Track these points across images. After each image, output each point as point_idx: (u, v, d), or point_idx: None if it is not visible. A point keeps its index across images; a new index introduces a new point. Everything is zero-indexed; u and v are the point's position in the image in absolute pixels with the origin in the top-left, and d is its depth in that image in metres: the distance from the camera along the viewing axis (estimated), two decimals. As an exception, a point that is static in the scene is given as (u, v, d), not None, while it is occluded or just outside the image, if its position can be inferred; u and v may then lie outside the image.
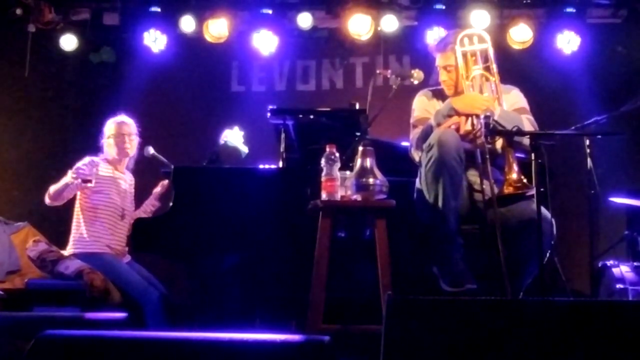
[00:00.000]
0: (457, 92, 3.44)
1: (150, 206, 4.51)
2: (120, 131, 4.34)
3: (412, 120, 3.58)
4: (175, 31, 5.97)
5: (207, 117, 5.96)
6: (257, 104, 5.59)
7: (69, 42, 6.02)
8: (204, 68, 6.28)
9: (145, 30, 5.95)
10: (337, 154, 3.11)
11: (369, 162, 3.06)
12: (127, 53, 6.12)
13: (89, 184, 4.04)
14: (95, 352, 1.93)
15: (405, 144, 3.64)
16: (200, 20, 5.90)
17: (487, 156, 3.12)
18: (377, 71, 4.33)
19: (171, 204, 3.74)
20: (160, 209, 4.44)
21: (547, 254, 3.26)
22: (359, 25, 5.80)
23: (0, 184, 6.08)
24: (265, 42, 5.94)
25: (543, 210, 3.11)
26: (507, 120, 3.27)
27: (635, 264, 4.47)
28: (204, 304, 3.93)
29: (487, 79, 3.41)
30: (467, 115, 3.27)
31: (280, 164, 3.97)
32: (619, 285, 4.32)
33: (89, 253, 4.13)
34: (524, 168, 3.16)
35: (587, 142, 3.50)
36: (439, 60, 3.53)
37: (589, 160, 3.47)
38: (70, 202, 4.25)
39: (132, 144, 4.37)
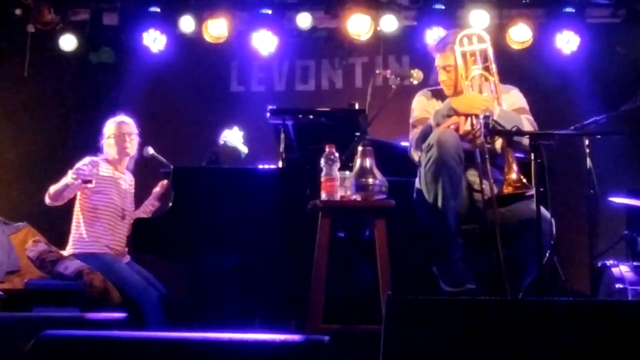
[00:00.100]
0: (457, 92, 3.44)
1: (149, 206, 4.51)
2: (120, 131, 4.34)
3: (411, 120, 3.58)
4: (174, 31, 5.97)
5: (207, 117, 5.96)
6: (257, 104, 5.59)
7: (68, 42, 6.02)
8: (204, 68, 6.28)
9: (145, 30, 5.95)
10: (337, 154, 3.11)
11: (368, 162, 3.06)
12: (127, 53, 6.12)
13: (89, 185, 4.04)
14: (94, 352, 1.93)
15: (404, 144, 3.64)
16: (200, 20, 5.90)
17: (487, 156, 3.12)
18: (377, 71, 4.33)
19: (171, 204, 3.74)
20: (159, 209, 4.45)
21: (547, 254, 3.26)
22: (359, 25, 5.80)
23: (0, 184, 6.07)
24: (264, 42, 5.94)
25: (542, 210, 3.11)
26: (506, 120, 3.27)
27: (634, 263, 4.47)
28: (204, 304, 3.93)
29: (487, 79, 3.41)
30: (467, 115, 3.28)
31: (280, 164, 3.97)
32: (619, 285, 4.32)
33: (88, 253, 4.13)
34: (524, 168, 3.16)
35: (587, 142, 3.50)
36: (438, 60, 3.53)
37: (588, 160, 3.47)
38: (70, 203, 4.25)
39: (133, 144, 4.37)
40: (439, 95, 3.58)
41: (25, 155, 6.12)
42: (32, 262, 4.18)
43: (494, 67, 3.41)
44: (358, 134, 3.66)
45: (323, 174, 3.09)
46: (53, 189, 4.12)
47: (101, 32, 6.07)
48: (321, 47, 6.26)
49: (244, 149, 4.36)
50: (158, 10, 5.93)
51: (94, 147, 4.41)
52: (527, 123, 3.36)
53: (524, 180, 3.14)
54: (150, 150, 4.40)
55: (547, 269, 3.36)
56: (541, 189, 3.08)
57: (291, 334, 1.97)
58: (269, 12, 5.93)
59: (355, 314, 3.35)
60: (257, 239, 3.67)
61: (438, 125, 3.30)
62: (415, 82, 3.58)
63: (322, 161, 3.10)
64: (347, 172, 3.15)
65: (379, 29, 5.83)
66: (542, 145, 3.09)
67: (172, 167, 3.91)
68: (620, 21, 5.88)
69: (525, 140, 3.23)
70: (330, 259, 3.06)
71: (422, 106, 3.57)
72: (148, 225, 3.89)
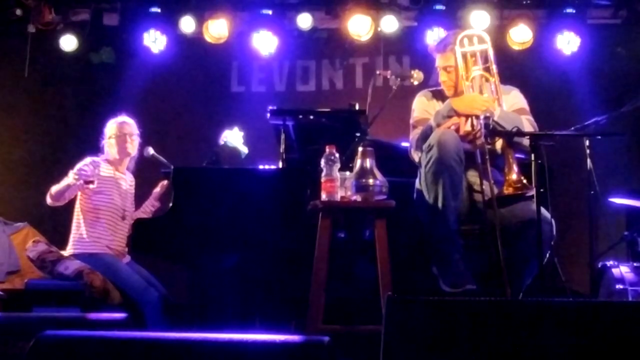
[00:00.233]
0: (457, 93, 3.44)
1: (150, 206, 4.51)
2: (122, 131, 4.34)
3: (411, 121, 3.58)
4: (175, 32, 5.98)
5: (207, 118, 5.97)
6: (257, 105, 5.59)
7: (68, 42, 6.02)
8: (204, 68, 6.28)
9: (145, 30, 5.95)
10: (337, 155, 3.11)
11: (368, 162, 3.06)
12: (127, 53, 6.12)
13: (91, 185, 4.04)
14: (95, 352, 1.93)
15: (405, 144, 3.64)
16: (200, 20, 5.90)
17: (487, 157, 3.12)
18: (377, 72, 4.33)
19: (171, 204, 3.74)
20: (160, 210, 4.45)
21: (547, 255, 3.26)
22: (359, 26, 5.80)
23: (0, 184, 6.08)
24: (265, 42, 5.94)
25: (543, 210, 3.11)
26: (506, 120, 3.27)
27: (635, 264, 4.46)
28: (204, 304, 3.93)
29: (487, 80, 3.41)
30: (467, 116, 3.28)
31: (280, 165, 3.97)
32: (619, 286, 4.31)
33: (88, 253, 4.13)
34: (524, 168, 3.16)
35: (587, 142, 3.50)
36: (439, 61, 3.53)
37: (588, 160, 3.46)
38: (70, 203, 4.25)
39: (134, 144, 4.37)
40: (439, 95, 3.58)
41: (25, 156, 6.13)
42: (33, 262, 4.18)
43: (494, 67, 3.41)
44: (358, 134, 3.66)
45: (323, 174, 3.10)
46: (54, 189, 4.12)
47: (102, 32, 6.08)
48: (322, 48, 6.27)
49: (244, 150, 4.36)
50: (158, 10, 5.94)
51: (94, 148, 4.41)
52: (528, 124, 3.36)
53: (524, 181, 3.14)
54: (151, 151, 4.40)
55: (547, 270, 3.35)
56: (541, 190, 3.08)
57: (291, 334, 1.97)
58: (270, 12, 5.93)
59: (355, 314, 3.35)
60: (257, 239, 3.67)
61: (438, 125, 3.30)
62: (415, 83, 3.59)
63: (323, 162, 3.10)
64: (348, 173, 3.15)
65: (379, 29, 5.83)
66: (542, 146, 3.09)
67: (172, 167, 3.91)
68: (621, 22, 5.88)
69: (526, 141, 3.23)
70: (331, 259, 3.06)
71: (422, 107, 3.57)
72: (148, 226, 3.89)
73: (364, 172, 3.05)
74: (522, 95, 3.55)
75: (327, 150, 3.11)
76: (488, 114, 3.21)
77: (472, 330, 2.05)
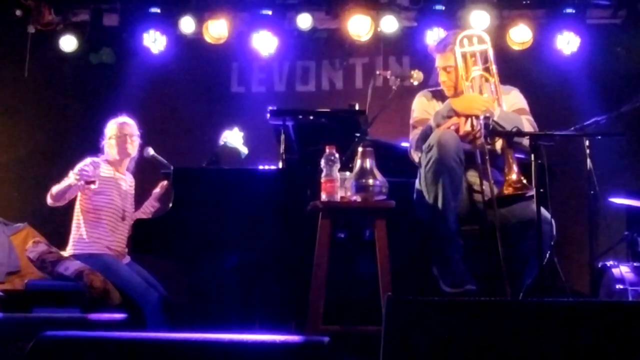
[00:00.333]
0: (457, 93, 3.45)
1: (149, 207, 4.51)
2: (122, 132, 4.33)
3: (411, 121, 3.58)
4: (175, 32, 5.97)
5: (207, 118, 5.96)
6: (257, 105, 5.59)
7: (68, 43, 6.02)
8: (204, 69, 6.28)
9: (145, 31, 5.95)
10: (337, 155, 3.12)
11: (368, 162, 3.06)
12: (127, 54, 6.12)
13: (92, 186, 4.04)
14: (95, 353, 1.93)
15: (404, 144, 3.64)
16: (200, 21, 5.90)
17: (487, 157, 3.12)
18: (377, 72, 4.34)
19: (171, 205, 3.74)
20: (159, 210, 4.44)
21: (547, 255, 3.26)
22: (359, 26, 5.80)
23: (0, 184, 6.08)
24: (265, 42, 5.94)
25: (543, 211, 3.11)
26: (506, 121, 3.27)
27: (635, 264, 4.47)
28: (204, 304, 3.93)
29: (487, 80, 3.42)
30: (467, 116, 3.28)
31: (280, 165, 3.97)
32: (619, 286, 4.31)
33: (88, 254, 4.13)
34: (524, 169, 3.16)
35: (587, 142, 3.50)
36: (439, 61, 3.53)
37: (588, 160, 3.46)
38: (70, 203, 4.25)
39: (134, 145, 4.37)
40: (439, 96, 3.58)
41: (25, 156, 6.12)
42: (33, 263, 4.18)
43: (494, 67, 3.41)
44: (358, 134, 3.65)
45: (323, 174, 3.10)
46: (55, 189, 4.12)
47: (101, 32, 6.07)
48: (321, 48, 6.26)
49: (244, 150, 4.36)
50: (158, 11, 5.94)
51: (94, 148, 4.41)
52: (527, 124, 3.36)
53: (524, 181, 3.14)
54: (151, 151, 4.40)
55: (547, 270, 3.35)
56: (541, 190, 3.08)
57: (291, 334, 1.97)
58: (270, 12, 5.93)
59: (355, 315, 3.35)
60: (257, 239, 3.67)
61: (438, 126, 3.30)
62: (415, 83, 3.58)
63: (323, 162, 3.10)
64: (348, 173, 3.15)
65: (379, 29, 5.83)
66: (542, 146, 3.09)
67: (172, 167, 3.91)
68: (621, 22, 5.87)
69: (526, 141, 3.23)
70: (331, 259, 3.06)
71: (422, 107, 3.58)
72: (148, 226, 3.89)
73: (363, 173, 3.05)
74: (521, 96, 3.55)
75: (327, 150, 3.12)
76: (488, 114, 3.21)
77: (472, 331, 2.05)
